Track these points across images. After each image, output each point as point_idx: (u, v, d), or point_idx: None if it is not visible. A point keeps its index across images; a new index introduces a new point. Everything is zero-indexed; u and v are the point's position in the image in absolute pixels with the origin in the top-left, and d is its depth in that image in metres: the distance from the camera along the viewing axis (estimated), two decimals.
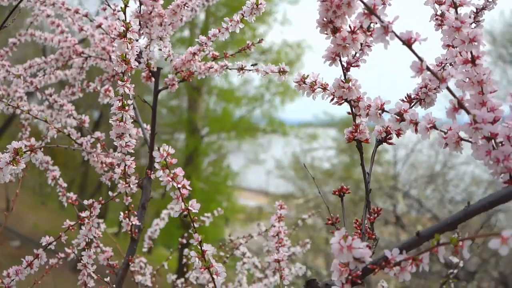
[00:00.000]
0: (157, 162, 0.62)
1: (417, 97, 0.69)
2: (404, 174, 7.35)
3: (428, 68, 0.51)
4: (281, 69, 0.85)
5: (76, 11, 1.11)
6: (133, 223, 0.98)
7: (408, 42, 0.51)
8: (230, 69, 0.97)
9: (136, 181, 0.91)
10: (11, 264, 0.94)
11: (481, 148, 0.52)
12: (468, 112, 0.52)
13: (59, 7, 1.11)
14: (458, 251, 0.46)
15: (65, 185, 1.11)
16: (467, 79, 0.55)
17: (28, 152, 0.67)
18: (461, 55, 0.56)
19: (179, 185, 0.63)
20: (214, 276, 0.65)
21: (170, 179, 0.62)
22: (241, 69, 0.95)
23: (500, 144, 0.52)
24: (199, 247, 0.66)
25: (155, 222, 1.46)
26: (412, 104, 0.70)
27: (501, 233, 0.41)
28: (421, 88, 0.69)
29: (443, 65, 0.70)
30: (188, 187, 0.64)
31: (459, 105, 0.52)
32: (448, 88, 0.52)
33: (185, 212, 0.64)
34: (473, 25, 0.73)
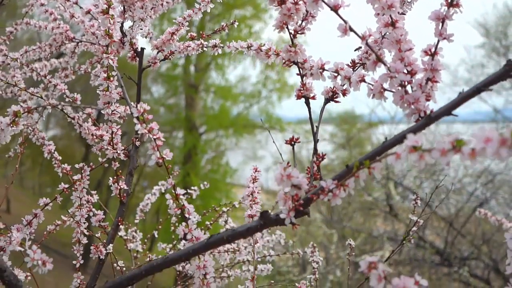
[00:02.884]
0: (135, 117, 0.73)
1: (360, 61, 0.80)
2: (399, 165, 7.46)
3: (351, 29, 0.62)
4: (249, 45, 0.96)
5: None
6: (122, 187, 1.09)
7: (335, 8, 0.62)
8: (205, 47, 1.08)
9: (123, 147, 1.03)
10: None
11: (396, 94, 0.63)
12: (385, 64, 0.63)
13: None
14: (371, 172, 0.57)
15: (60, 158, 1.22)
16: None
17: (26, 114, 0.78)
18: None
19: (155, 137, 0.74)
20: (187, 215, 0.77)
21: (147, 132, 0.74)
22: (214, 46, 1.06)
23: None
24: (173, 191, 0.77)
25: (146, 197, 1.57)
26: (356, 67, 0.81)
27: (396, 150, 0.52)
28: (363, 53, 0.80)
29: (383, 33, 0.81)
30: (162, 139, 0.75)
31: (378, 59, 0.63)
32: (367, 45, 0.63)
33: (160, 160, 0.75)
34: None
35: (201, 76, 11.54)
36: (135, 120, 0.73)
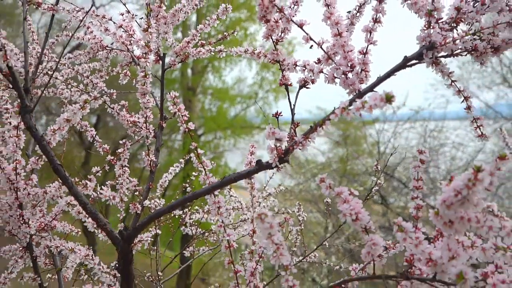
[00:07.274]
0: (169, 100, 1.08)
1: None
2: (392, 158, 7.85)
3: (311, 38, 0.97)
4: (246, 49, 1.31)
5: (104, 16, 1.56)
6: (152, 159, 1.44)
7: (300, 25, 0.97)
8: (213, 52, 1.43)
9: (154, 128, 1.38)
10: None
11: (341, 79, 0.98)
12: (333, 60, 0.98)
13: (90, 14, 1.57)
14: (324, 128, 0.92)
15: (100, 140, 1.56)
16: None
17: (93, 100, 1.13)
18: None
19: (182, 114, 1.09)
20: (205, 167, 1.11)
21: (177, 110, 1.09)
22: (220, 51, 1.41)
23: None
24: (196, 151, 1.12)
25: (164, 176, 1.92)
26: (322, 64, 1.15)
27: (335, 111, 0.87)
28: (323, 55, 1.15)
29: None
30: (187, 115, 1.10)
31: (328, 57, 0.98)
32: (322, 49, 0.98)
33: (186, 130, 1.10)
34: (358, 14, 1.19)
35: (198, 79, 11.90)
36: (168, 103, 1.08)
